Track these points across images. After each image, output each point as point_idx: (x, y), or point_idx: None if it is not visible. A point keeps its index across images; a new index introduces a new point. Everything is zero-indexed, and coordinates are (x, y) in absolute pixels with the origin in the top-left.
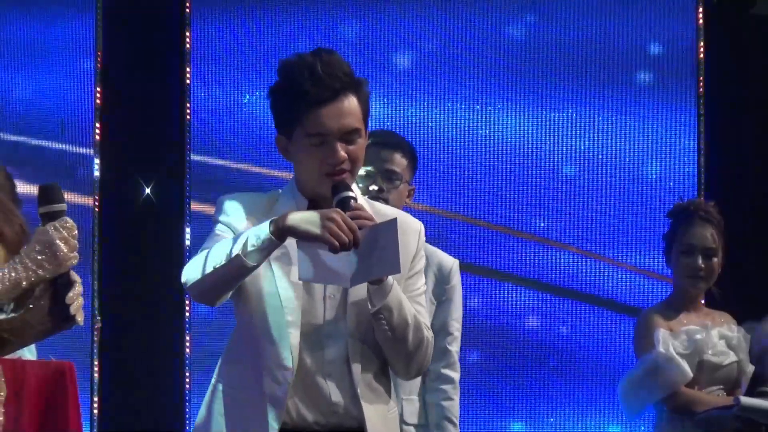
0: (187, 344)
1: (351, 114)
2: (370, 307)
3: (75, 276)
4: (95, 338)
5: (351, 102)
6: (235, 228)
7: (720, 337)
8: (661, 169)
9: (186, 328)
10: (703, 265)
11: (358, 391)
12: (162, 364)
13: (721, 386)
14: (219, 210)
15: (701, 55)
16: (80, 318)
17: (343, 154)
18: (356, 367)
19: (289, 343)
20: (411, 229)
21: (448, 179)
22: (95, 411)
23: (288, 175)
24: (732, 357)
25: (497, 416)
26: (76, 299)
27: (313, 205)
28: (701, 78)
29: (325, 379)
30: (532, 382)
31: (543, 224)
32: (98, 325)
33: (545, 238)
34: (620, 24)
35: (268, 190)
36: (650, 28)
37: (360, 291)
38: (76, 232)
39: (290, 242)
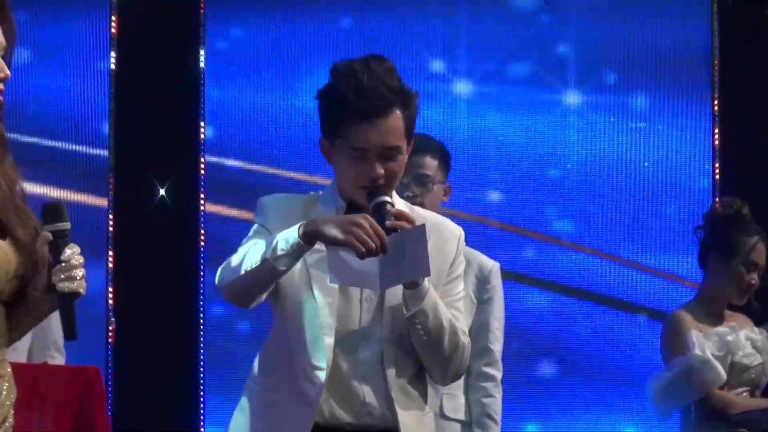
0: (201, 345)
1: (393, 131)
2: (405, 311)
3: (75, 247)
4: (109, 338)
5: (394, 118)
6: (272, 229)
7: (746, 338)
8: (677, 170)
9: (200, 328)
10: (755, 282)
11: (393, 395)
12: (176, 365)
13: (747, 387)
14: (258, 211)
15: (716, 56)
16: (73, 286)
17: (380, 171)
18: (391, 371)
19: (324, 344)
20: (451, 234)
21: (463, 181)
22: (109, 411)
23: (303, 176)
24: (759, 358)
25: (511, 417)
26: (74, 267)
27: (352, 208)
28: (716, 78)
29: (360, 382)
30: (546, 383)
31: (559, 226)
32: (112, 326)
33: (561, 240)
34: (635, 26)
35: (282, 191)
36: (665, 29)
37: (396, 295)
38: (80, 255)
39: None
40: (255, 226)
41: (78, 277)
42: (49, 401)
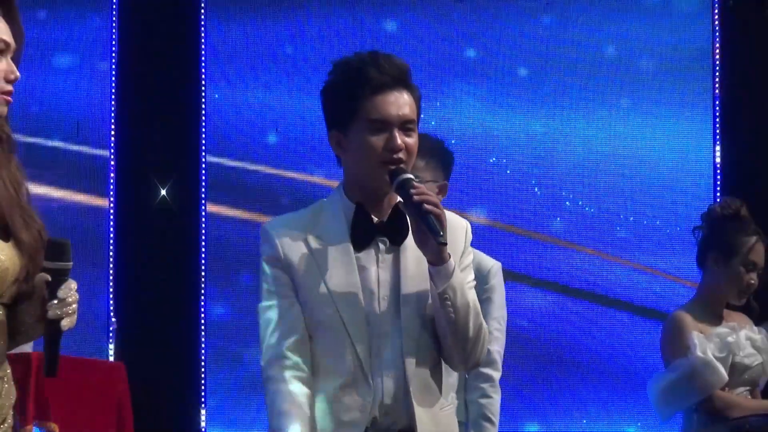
0: (203, 345)
1: (408, 104)
2: (435, 288)
3: (72, 283)
4: (111, 339)
5: (407, 94)
6: (282, 257)
7: (746, 338)
8: (677, 170)
9: (201, 329)
10: (754, 282)
11: (411, 390)
12: (177, 365)
13: (748, 387)
14: (263, 241)
15: (717, 56)
16: (67, 323)
17: (401, 142)
18: (410, 366)
19: (345, 343)
20: (458, 226)
21: (462, 181)
22: None
23: (303, 176)
24: (758, 358)
25: (512, 417)
26: (69, 304)
27: (360, 209)
28: (717, 79)
29: (381, 379)
30: (547, 383)
31: (559, 226)
32: (113, 326)
33: (561, 240)
34: (637, 25)
35: (282, 191)
36: (666, 29)
37: (412, 289)
38: (76, 293)
39: (341, 247)
40: (265, 262)
41: (69, 313)
42: (79, 392)
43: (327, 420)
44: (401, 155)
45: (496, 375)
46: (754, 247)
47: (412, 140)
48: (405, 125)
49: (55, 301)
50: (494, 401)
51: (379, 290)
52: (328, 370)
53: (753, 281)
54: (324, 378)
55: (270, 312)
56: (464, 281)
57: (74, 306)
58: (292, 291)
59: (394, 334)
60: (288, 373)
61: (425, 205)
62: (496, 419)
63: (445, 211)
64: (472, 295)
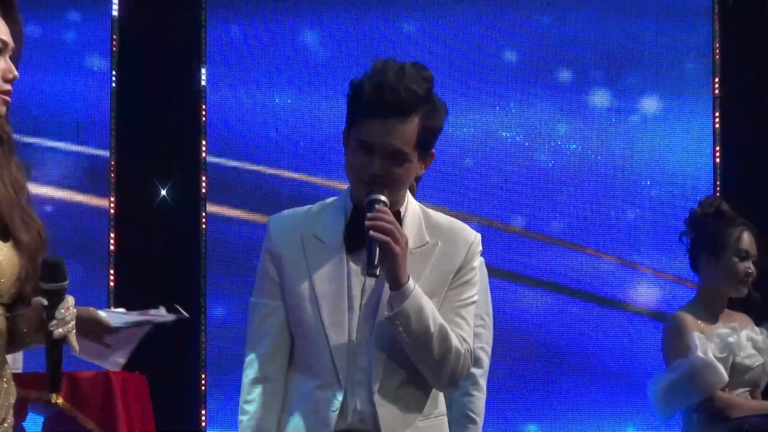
0: (203, 346)
1: (399, 135)
2: (387, 311)
3: (69, 300)
4: None
5: (408, 123)
6: (277, 253)
7: (747, 339)
8: (678, 171)
9: (202, 330)
10: (752, 270)
11: (375, 400)
12: (178, 366)
13: (748, 388)
14: (265, 234)
15: (717, 56)
16: (74, 342)
17: (378, 169)
18: (376, 377)
19: (324, 346)
20: (463, 240)
21: (461, 180)
22: None
23: (303, 177)
24: (759, 359)
25: (512, 418)
26: (68, 323)
27: (357, 210)
28: (717, 78)
29: (353, 388)
30: (547, 384)
31: (559, 226)
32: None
33: (560, 240)
34: (636, 26)
35: (282, 192)
36: (666, 31)
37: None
38: (73, 309)
39: (334, 248)
40: (262, 254)
41: (70, 329)
42: (127, 401)
43: (302, 418)
44: (379, 180)
45: (479, 372)
46: (742, 236)
47: (397, 168)
48: (390, 154)
49: (55, 321)
50: (476, 399)
51: (362, 297)
52: (307, 369)
53: (750, 269)
54: (303, 376)
55: (256, 311)
56: (425, 306)
57: (72, 323)
58: (279, 290)
59: (370, 343)
60: (259, 404)
61: (370, 231)
62: (478, 418)
63: (452, 220)
64: (437, 319)
